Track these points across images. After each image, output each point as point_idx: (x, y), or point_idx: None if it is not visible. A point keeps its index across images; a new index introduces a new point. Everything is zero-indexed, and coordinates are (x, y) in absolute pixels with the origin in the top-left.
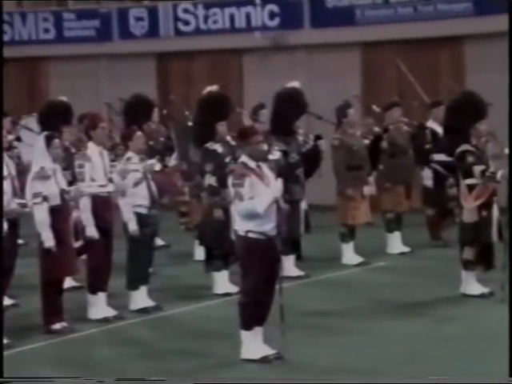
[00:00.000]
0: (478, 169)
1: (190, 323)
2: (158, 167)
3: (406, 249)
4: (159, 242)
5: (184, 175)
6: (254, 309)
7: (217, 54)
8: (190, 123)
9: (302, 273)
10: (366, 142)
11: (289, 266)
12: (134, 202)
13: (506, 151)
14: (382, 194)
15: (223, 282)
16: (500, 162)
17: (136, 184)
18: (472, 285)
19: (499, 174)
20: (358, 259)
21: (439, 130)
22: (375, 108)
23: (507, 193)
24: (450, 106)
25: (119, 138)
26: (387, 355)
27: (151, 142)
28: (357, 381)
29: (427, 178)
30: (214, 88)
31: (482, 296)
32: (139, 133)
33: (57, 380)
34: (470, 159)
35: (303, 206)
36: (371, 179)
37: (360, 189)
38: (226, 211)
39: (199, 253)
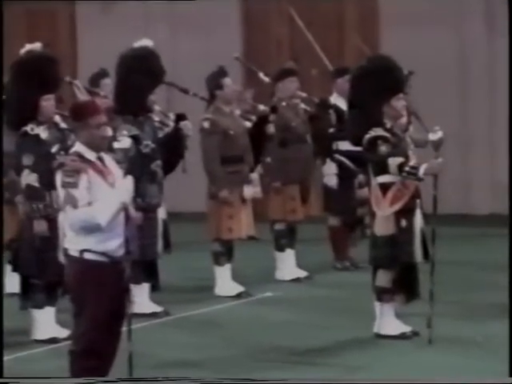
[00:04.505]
0: (394, 162)
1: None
2: None
3: (302, 273)
4: None
5: None
6: (91, 359)
7: None
8: (2, 96)
9: (159, 308)
10: (248, 124)
11: (141, 299)
12: None
13: (432, 137)
14: (269, 198)
15: (47, 323)
16: (424, 152)
17: None
18: (389, 322)
19: (422, 169)
20: (236, 289)
21: (346, 107)
22: (263, 77)
23: (433, 195)
24: (357, 74)
25: None
26: None
27: None
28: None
29: (330, 174)
30: (35, 47)
31: (402, 337)
32: None
33: (57, 380)
34: (384, 149)
35: (161, 214)
36: (255, 176)
37: (239, 190)
38: (52, 223)
39: (12, 283)
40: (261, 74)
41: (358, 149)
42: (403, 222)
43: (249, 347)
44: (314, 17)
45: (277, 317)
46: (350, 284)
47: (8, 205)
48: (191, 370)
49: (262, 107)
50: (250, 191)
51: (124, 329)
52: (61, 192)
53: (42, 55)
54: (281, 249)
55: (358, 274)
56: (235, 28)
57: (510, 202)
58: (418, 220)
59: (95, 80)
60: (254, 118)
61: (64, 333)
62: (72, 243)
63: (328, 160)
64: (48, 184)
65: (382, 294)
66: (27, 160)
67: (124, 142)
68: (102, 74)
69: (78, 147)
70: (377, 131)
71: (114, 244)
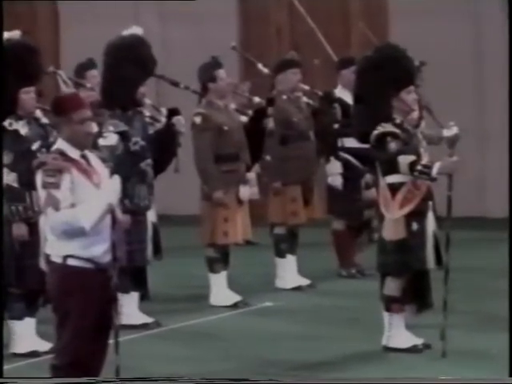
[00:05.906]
0: (404, 160)
1: None
2: None
3: (304, 281)
4: None
5: None
6: (74, 373)
7: None
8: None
9: (149, 319)
10: (244, 119)
11: (130, 309)
12: None
13: (446, 133)
14: (268, 199)
15: (27, 335)
16: (438, 150)
17: None
18: (399, 333)
19: (436, 169)
20: (233, 298)
21: (351, 101)
22: (261, 68)
23: (447, 196)
24: (364, 65)
25: None
26: None
27: None
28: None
29: (334, 174)
30: (13, 35)
31: (413, 350)
32: None
33: (56, 380)
34: (393, 146)
35: (151, 217)
36: (252, 176)
37: (235, 190)
38: (33, 227)
39: None
40: (259, 65)
41: (365, 146)
42: (414, 226)
43: (246, 361)
44: (315, 3)
45: (276, 328)
46: (357, 293)
47: None
48: None
49: (257, 100)
50: (247, 192)
51: (111, 341)
52: (41, 193)
53: (22, 44)
54: (281, 254)
55: (364, 282)
56: (231, 15)
57: (510, 203)
58: (431, 223)
59: (81, 71)
60: (250, 112)
61: (45, 346)
62: (54, 248)
63: (332, 158)
64: (28, 184)
65: (390, 304)
66: (6, 158)
67: (110, 139)
68: (89, 64)
69: (61, 144)
70: (385, 127)
71: (99, 249)
